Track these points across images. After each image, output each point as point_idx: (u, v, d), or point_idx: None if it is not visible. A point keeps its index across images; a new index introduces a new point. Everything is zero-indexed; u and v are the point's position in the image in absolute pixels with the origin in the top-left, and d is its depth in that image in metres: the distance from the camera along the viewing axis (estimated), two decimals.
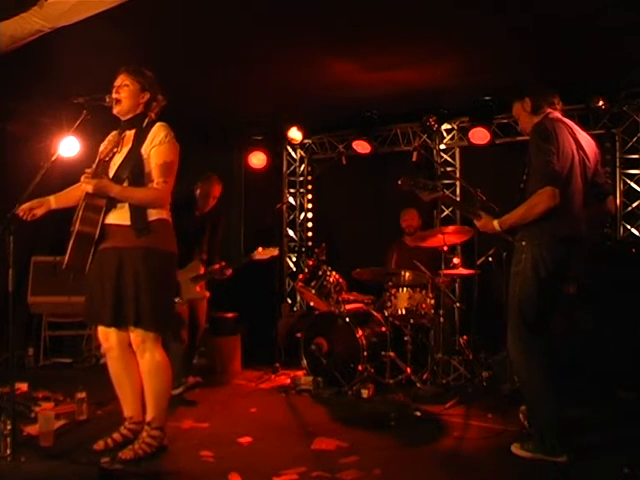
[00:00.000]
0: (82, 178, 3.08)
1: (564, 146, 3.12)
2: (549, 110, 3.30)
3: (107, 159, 3.18)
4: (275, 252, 4.73)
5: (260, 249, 4.72)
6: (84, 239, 3.07)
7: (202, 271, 4.79)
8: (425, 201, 3.49)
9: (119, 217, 3.13)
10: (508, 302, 3.30)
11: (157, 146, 3.15)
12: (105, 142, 3.37)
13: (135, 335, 3.17)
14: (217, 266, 4.82)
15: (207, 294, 4.88)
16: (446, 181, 6.64)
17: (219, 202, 5.11)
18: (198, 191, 4.93)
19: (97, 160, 3.24)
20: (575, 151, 3.18)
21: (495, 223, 3.21)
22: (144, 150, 3.15)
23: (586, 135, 3.37)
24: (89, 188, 3.01)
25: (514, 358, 3.29)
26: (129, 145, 3.20)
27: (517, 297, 3.20)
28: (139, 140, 3.18)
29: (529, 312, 3.18)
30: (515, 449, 3.27)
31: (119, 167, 3.16)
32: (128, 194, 3.12)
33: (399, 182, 3.36)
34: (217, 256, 5.03)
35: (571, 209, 3.13)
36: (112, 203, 3.12)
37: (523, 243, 3.18)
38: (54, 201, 3.33)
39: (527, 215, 3.09)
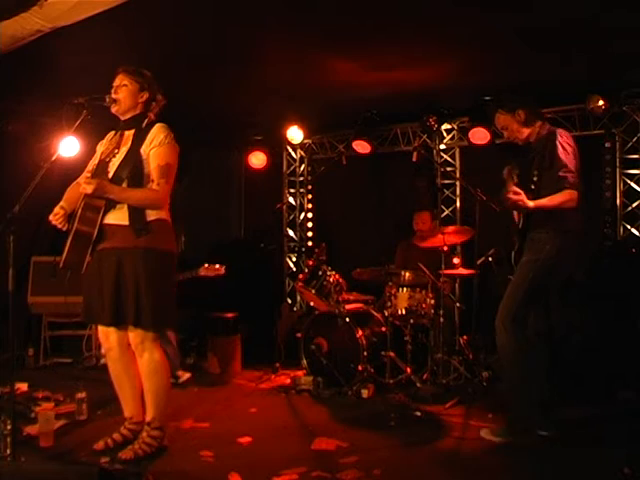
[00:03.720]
0: (82, 179, 3.08)
1: (577, 158, 3.46)
2: (540, 122, 3.61)
3: (107, 160, 3.18)
4: (221, 271, 4.80)
5: (206, 265, 4.79)
6: (82, 238, 3.07)
7: None
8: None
9: (118, 217, 3.13)
10: (511, 285, 3.53)
11: (157, 147, 3.15)
12: (104, 142, 3.37)
13: (134, 335, 3.17)
14: None
15: None
16: (446, 181, 6.66)
17: None
18: None
19: (97, 161, 3.24)
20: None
21: (530, 203, 3.38)
22: (143, 150, 3.15)
23: None
24: (89, 189, 3.00)
25: (503, 340, 3.48)
26: (128, 145, 3.20)
27: (528, 282, 3.44)
28: (138, 140, 3.18)
29: (534, 297, 3.47)
30: (485, 434, 3.51)
31: (118, 167, 3.16)
32: (127, 195, 3.11)
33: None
34: None
35: (582, 208, 3.45)
36: (111, 203, 3.12)
37: (546, 234, 3.44)
38: (67, 206, 3.24)
39: (559, 205, 3.35)
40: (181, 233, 5.18)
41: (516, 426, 3.47)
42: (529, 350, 3.47)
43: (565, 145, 3.41)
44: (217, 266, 4.80)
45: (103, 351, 3.48)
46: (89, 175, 3.16)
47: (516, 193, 3.32)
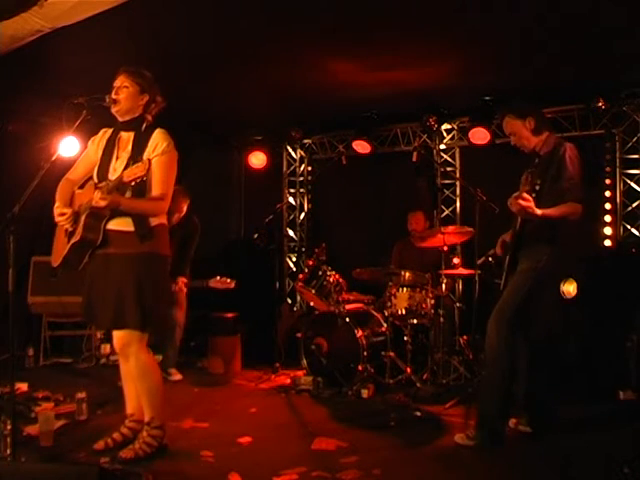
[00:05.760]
0: (95, 193, 3.04)
1: (581, 171, 3.48)
2: (548, 133, 3.59)
3: (106, 165, 3.18)
4: (231, 285, 4.91)
5: (217, 277, 4.90)
6: (86, 244, 3.13)
7: None
8: None
9: (122, 223, 3.15)
10: (508, 291, 3.51)
11: (159, 156, 3.15)
12: (97, 139, 3.35)
13: (127, 338, 3.17)
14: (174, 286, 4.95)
15: None
16: (446, 181, 6.66)
17: (191, 215, 5.33)
18: None
19: (98, 163, 3.24)
20: None
21: (539, 211, 3.38)
22: (146, 158, 3.14)
23: None
24: (103, 204, 2.99)
25: (492, 341, 3.47)
26: (128, 149, 3.20)
27: (526, 291, 3.44)
28: (139, 146, 3.18)
29: (530, 305, 3.45)
30: (459, 439, 3.49)
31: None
32: (135, 206, 3.14)
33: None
34: (187, 269, 5.16)
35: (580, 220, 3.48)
36: (115, 210, 3.13)
37: (543, 244, 3.44)
38: (68, 207, 3.26)
39: (564, 216, 3.37)
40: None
41: (484, 426, 3.45)
42: (512, 353, 3.47)
43: (573, 158, 3.41)
44: (228, 280, 4.88)
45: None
46: (96, 182, 3.17)
47: (526, 200, 3.31)
